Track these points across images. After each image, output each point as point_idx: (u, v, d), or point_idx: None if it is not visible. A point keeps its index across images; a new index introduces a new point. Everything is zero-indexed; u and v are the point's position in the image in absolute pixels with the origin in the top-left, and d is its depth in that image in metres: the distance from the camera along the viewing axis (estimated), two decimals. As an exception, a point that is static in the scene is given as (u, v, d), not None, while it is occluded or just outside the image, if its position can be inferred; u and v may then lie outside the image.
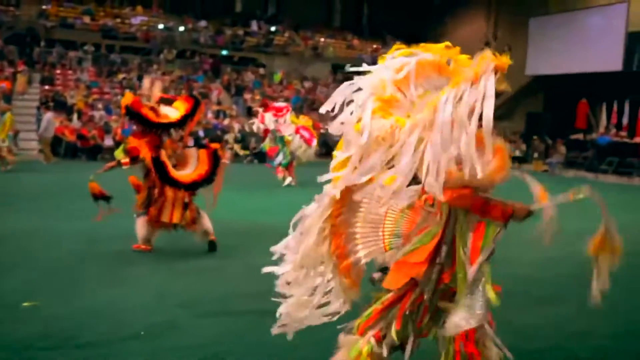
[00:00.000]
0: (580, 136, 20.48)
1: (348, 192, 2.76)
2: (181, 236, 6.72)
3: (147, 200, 5.99)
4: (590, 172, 18.29)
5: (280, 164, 12.47)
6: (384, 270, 4.31)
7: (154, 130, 5.92)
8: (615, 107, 19.94)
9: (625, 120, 19.72)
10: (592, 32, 22.44)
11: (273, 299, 3.08)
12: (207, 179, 6.08)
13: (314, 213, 2.85)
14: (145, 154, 5.83)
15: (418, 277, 2.68)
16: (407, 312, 2.71)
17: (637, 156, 17.59)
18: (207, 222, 6.19)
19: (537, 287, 5.27)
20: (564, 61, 22.83)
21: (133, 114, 5.82)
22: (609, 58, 21.46)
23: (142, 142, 5.87)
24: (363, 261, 2.91)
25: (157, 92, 6.12)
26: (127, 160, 5.93)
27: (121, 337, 3.72)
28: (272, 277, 5.28)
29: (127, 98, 5.91)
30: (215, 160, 6.21)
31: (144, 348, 3.59)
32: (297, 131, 12.16)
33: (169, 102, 6.21)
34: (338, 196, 2.75)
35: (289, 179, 12.33)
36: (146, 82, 6.14)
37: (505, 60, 2.47)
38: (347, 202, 2.84)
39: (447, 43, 2.90)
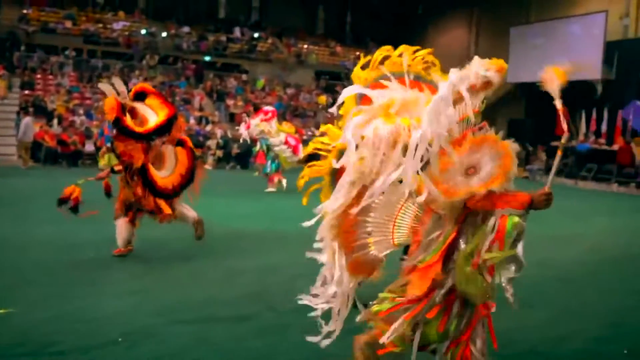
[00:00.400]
0: (560, 143, 20.73)
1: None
2: (159, 243, 6.69)
3: (130, 201, 5.95)
4: (569, 178, 18.53)
5: (270, 172, 12.41)
6: None
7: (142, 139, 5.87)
8: (594, 115, 20.25)
9: (603, 128, 20.04)
10: (572, 41, 22.80)
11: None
12: (189, 180, 6.17)
13: (335, 199, 2.91)
14: (138, 159, 5.78)
15: (437, 277, 2.71)
16: (420, 315, 2.75)
17: (615, 163, 17.86)
18: (191, 211, 6.26)
19: (518, 291, 5.30)
20: (545, 69, 23.15)
21: (121, 128, 5.72)
22: (588, 66, 21.82)
23: (130, 146, 5.77)
24: (371, 248, 2.98)
25: (123, 89, 5.96)
26: (120, 166, 5.87)
27: (98, 344, 3.68)
28: (251, 282, 5.31)
29: (110, 104, 5.75)
30: (193, 158, 6.24)
31: (121, 355, 3.55)
32: (286, 141, 12.18)
33: (142, 96, 6.03)
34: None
35: (284, 181, 12.27)
36: (106, 89, 5.85)
37: (501, 62, 2.67)
38: (362, 191, 2.90)
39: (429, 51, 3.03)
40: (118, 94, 5.77)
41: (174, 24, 26.29)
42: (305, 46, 28.66)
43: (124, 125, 5.65)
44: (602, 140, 19.85)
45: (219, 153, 19.31)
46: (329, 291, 2.96)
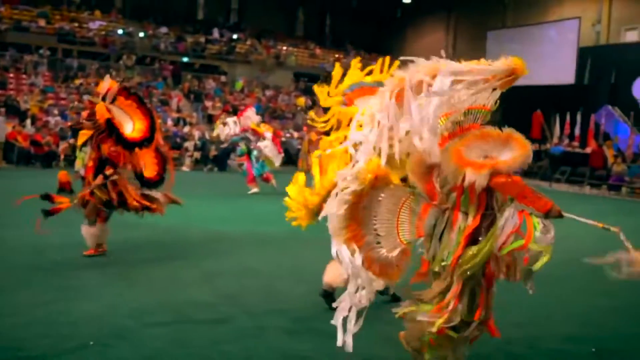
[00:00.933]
0: (535, 146, 21.05)
1: (370, 180, 2.92)
2: (135, 245, 6.60)
3: (103, 203, 5.89)
4: (544, 181, 18.80)
5: (262, 172, 12.29)
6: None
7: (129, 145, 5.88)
8: (568, 119, 20.63)
9: (577, 131, 20.42)
10: (547, 47, 23.20)
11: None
12: (165, 164, 6.29)
13: (340, 194, 2.95)
14: (135, 162, 5.89)
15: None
16: (455, 315, 2.86)
17: (588, 165, 18.20)
18: (162, 196, 6.26)
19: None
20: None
21: (112, 129, 5.70)
22: (562, 71, 22.23)
23: (112, 147, 5.77)
24: (381, 245, 3.00)
25: (115, 87, 5.96)
26: (112, 170, 5.80)
27: (70, 348, 3.61)
28: (229, 285, 5.26)
29: (100, 108, 5.72)
30: (161, 156, 6.27)
31: (93, 359, 3.49)
32: (273, 139, 12.13)
33: (112, 98, 5.99)
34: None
35: (273, 181, 12.17)
36: (107, 80, 6.03)
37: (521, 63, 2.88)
38: (368, 190, 2.96)
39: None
40: (107, 92, 5.84)
41: (152, 24, 26.03)
42: (285, 48, 28.63)
43: (116, 127, 5.70)
44: (576, 144, 20.22)
45: (197, 155, 19.16)
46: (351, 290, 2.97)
